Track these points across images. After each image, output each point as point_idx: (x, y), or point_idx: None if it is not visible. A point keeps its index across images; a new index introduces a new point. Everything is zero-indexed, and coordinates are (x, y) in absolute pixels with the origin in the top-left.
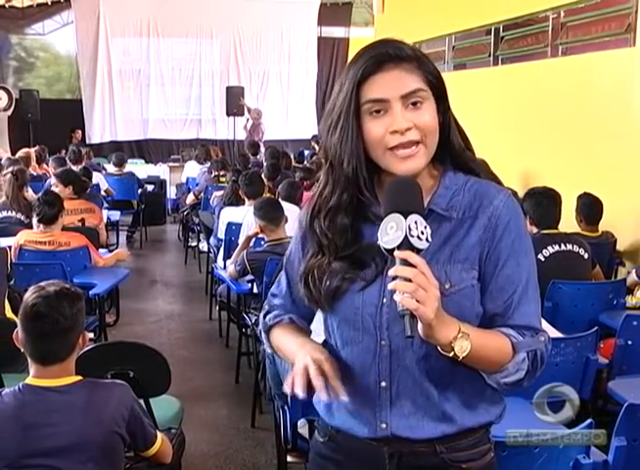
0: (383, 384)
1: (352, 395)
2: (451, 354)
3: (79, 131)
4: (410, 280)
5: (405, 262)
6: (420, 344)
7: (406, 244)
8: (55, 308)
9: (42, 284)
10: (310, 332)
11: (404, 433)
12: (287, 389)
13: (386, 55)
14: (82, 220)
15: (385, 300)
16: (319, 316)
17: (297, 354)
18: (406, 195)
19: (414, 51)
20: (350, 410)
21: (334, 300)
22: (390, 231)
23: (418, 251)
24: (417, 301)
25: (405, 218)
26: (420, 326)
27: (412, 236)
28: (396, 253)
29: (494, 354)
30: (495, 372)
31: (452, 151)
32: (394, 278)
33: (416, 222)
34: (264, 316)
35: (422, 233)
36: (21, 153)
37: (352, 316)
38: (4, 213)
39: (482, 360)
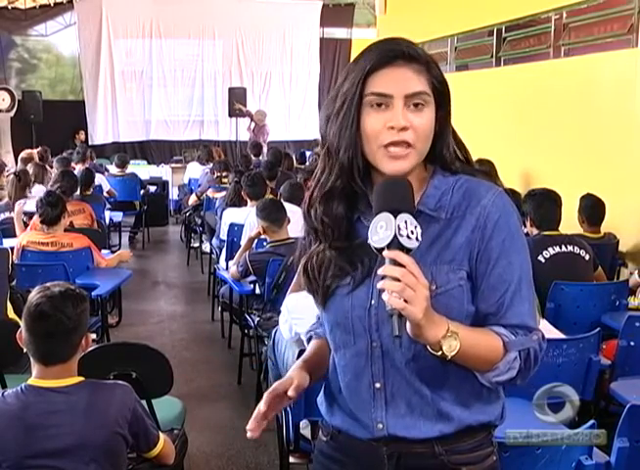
0: (377, 385)
1: (349, 397)
2: (439, 354)
3: (83, 132)
4: (399, 279)
5: (394, 262)
6: (408, 345)
7: (396, 243)
8: (59, 309)
9: (47, 284)
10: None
11: (401, 432)
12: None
13: (398, 51)
14: (71, 223)
15: (373, 301)
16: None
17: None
18: (396, 194)
19: (425, 54)
20: (348, 412)
21: (325, 296)
22: (380, 230)
23: (408, 250)
24: (405, 300)
25: (395, 218)
26: (408, 325)
27: (401, 235)
28: (385, 252)
29: (484, 353)
30: (486, 371)
31: (444, 158)
32: (383, 277)
33: (406, 222)
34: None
35: (412, 232)
36: (24, 154)
37: (343, 320)
38: (7, 214)
39: (472, 359)
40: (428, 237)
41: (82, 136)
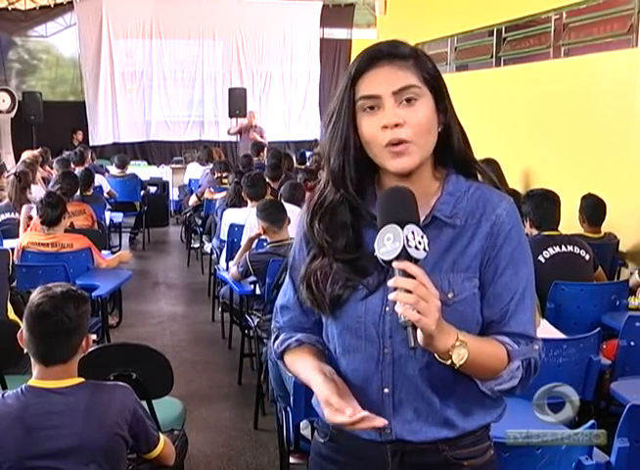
0: (386, 390)
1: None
2: (448, 362)
3: (80, 132)
4: (411, 291)
5: (404, 273)
6: (422, 353)
7: (404, 255)
8: (60, 309)
9: (49, 285)
10: (320, 342)
11: (407, 437)
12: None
13: (379, 52)
14: (71, 224)
15: (387, 308)
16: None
17: (317, 393)
18: (401, 205)
19: (413, 50)
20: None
21: (335, 307)
22: (387, 242)
23: (416, 261)
24: (418, 312)
25: (402, 229)
26: (420, 335)
27: (410, 247)
28: (395, 264)
29: (490, 362)
30: (490, 379)
31: (452, 152)
32: (394, 289)
33: (413, 232)
34: (274, 342)
35: (419, 243)
36: (28, 155)
37: (355, 325)
38: (7, 215)
39: (478, 368)
40: (442, 243)
41: (80, 136)
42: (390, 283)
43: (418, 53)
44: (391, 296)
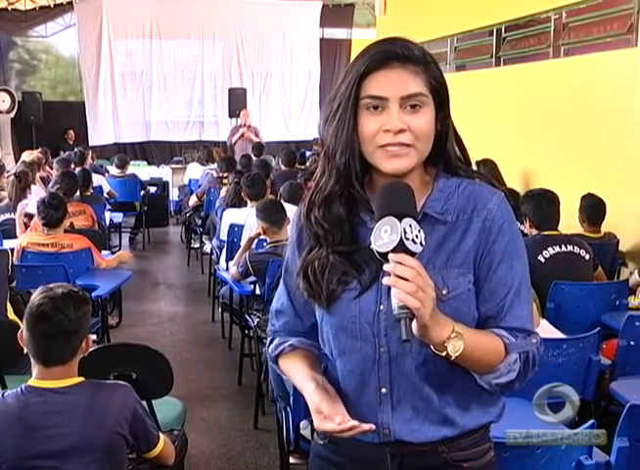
0: (383, 390)
1: (353, 401)
2: (444, 354)
3: (71, 131)
4: (408, 280)
5: (400, 265)
6: (419, 349)
7: (401, 247)
8: (60, 310)
9: (51, 286)
10: (315, 346)
11: (406, 438)
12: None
13: (393, 52)
14: (71, 224)
15: (382, 306)
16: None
17: (308, 401)
18: (400, 198)
19: (423, 53)
20: (352, 416)
21: (330, 300)
22: (385, 235)
23: (412, 254)
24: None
25: (400, 222)
26: (415, 326)
27: (407, 239)
28: (391, 256)
29: (487, 355)
30: (487, 373)
31: (446, 159)
32: (389, 275)
33: (410, 226)
34: (268, 346)
35: (416, 237)
36: (31, 157)
37: (350, 325)
38: (7, 215)
39: (475, 360)
40: (434, 240)
41: (72, 135)
42: (388, 267)
43: (427, 58)
44: (389, 280)
